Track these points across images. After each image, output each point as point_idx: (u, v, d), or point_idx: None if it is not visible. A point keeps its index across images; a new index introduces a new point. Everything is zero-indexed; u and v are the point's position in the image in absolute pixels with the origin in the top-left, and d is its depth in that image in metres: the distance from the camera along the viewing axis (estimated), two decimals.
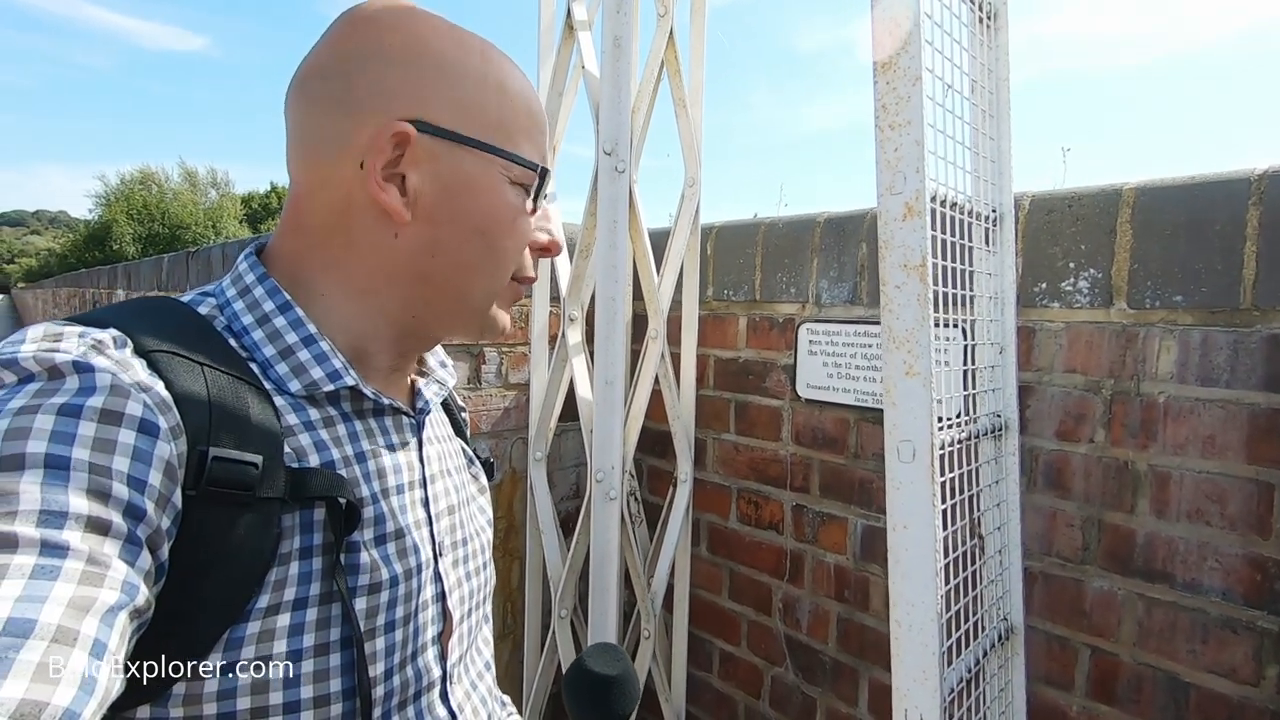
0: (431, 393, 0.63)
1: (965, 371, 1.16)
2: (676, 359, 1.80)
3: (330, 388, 0.52)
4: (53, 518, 0.35)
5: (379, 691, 0.51)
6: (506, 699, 0.73)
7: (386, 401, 0.56)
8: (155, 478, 0.40)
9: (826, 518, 1.66)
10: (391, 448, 0.56)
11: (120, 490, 0.38)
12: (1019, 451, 1.21)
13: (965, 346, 1.20)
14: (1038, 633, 1.30)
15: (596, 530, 1.51)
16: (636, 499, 1.87)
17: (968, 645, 1.06)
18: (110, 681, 0.34)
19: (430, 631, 0.56)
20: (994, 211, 1.18)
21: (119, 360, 0.42)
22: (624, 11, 1.40)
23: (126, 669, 0.37)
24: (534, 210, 0.58)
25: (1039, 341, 1.30)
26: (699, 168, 1.67)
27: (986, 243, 1.18)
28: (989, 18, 1.16)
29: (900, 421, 0.93)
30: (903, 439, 0.93)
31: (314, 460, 0.50)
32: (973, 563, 1.08)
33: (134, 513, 0.38)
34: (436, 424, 0.66)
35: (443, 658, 0.58)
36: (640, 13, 1.59)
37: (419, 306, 0.56)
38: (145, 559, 0.38)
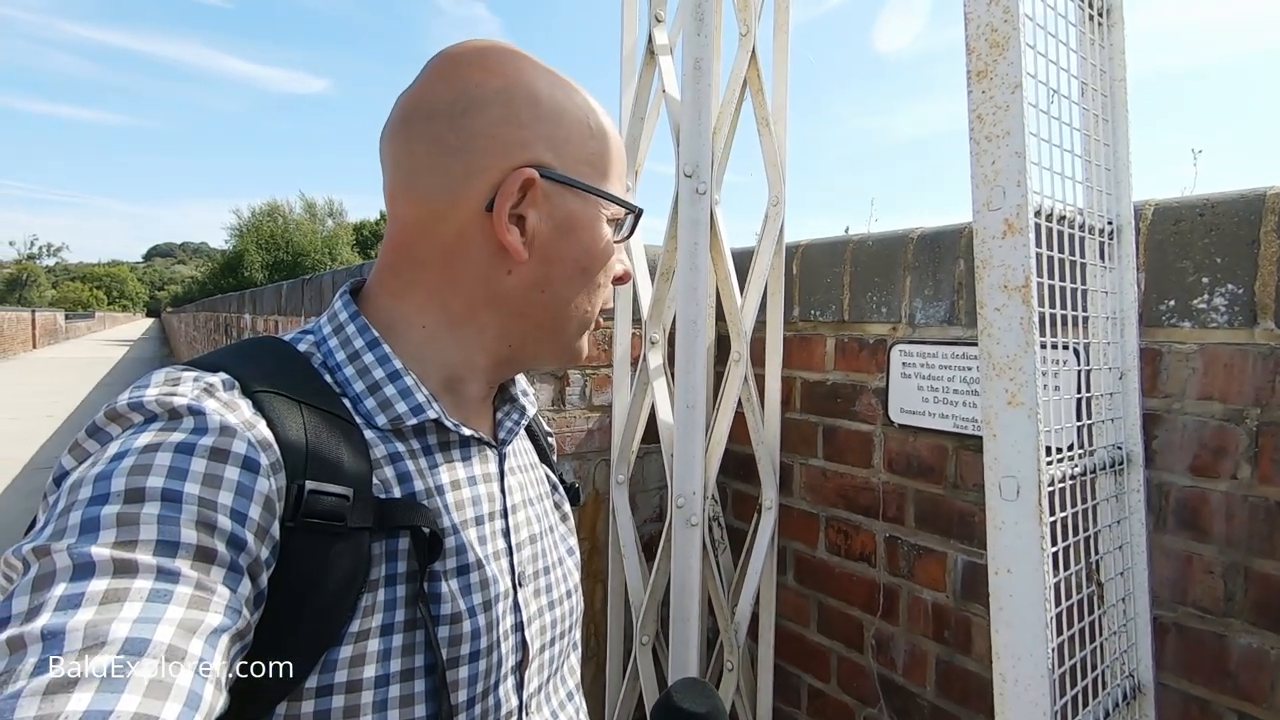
0: (512, 422, 0.64)
1: (1079, 399, 1.06)
2: (761, 381, 1.76)
3: (414, 421, 0.54)
4: (167, 547, 0.38)
5: None
6: None
7: (468, 433, 0.58)
8: (255, 511, 0.43)
9: (923, 551, 1.56)
10: (473, 479, 0.58)
11: (224, 523, 0.41)
12: (1145, 488, 1.09)
13: (1079, 371, 1.09)
14: (1172, 692, 1.15)
15: (677, 557, 1.48)
16: (720, 524, 1.83)
17: (1086, 704, 0.96)
18: (214, 698, 0.36)
19: (510, 662, 0.57)
20: (1110, 224, 1.08)
21: (226, 402, 0.46)
22: (704, 34, 1.39)
23: (230, 687, 0.39)
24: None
25: (1167, 365, 1.17)
26: (783, 186, 1.63)
27: (1102, 258, 1.08)
28: (1100, 15, 1.07)
29: (1002, 455, 0.85)
30: (1005, 474, 0.85)
31: (398, 492, 0.52)
32: (1091, 611, 0.98)
33: (236, 543, 0.41)
34: (519, 453, 0.67)
35: (520, 688, 0.58)
36: (723, 34, 1.58)
37: (516, 337, 0.58)
38: (246, 586, 0.41)
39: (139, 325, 60.65)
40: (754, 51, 1.52)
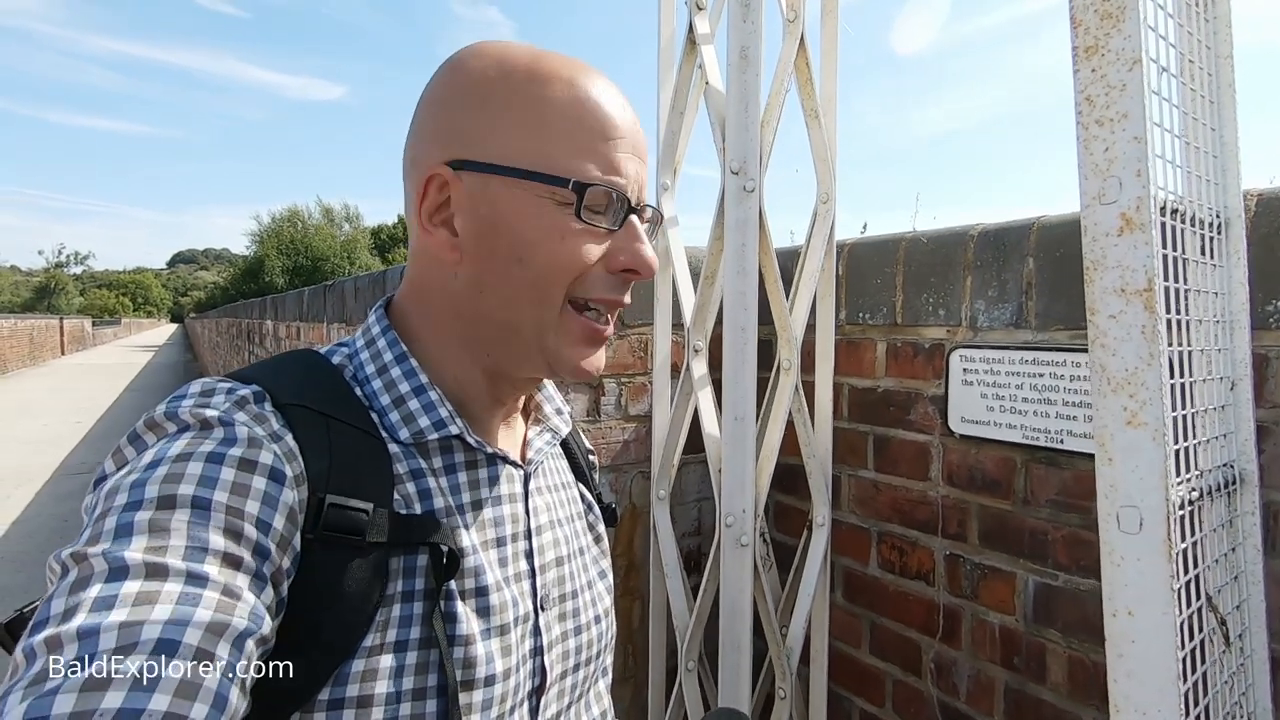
0: (543, 442, 0.63)
1: (1178, 416, 0.95)
2: (810, 389, 1.66)
3: (435, 436, 0.53)
4: (196, 552, 0.39)
5: None
6: None
7: (491, 451, 0.57)
8: (279, 521, 0.44)
9: (988, 571, 1.45)
10: (497, 499, 0.57)
11: (250, 531, 0.42)
12: (1260, 510, 0.98)
13: (1175, 384, 0.98)
14: None
15: (727, 580, 1.39)
16: (765, 540, 1.73)
17: None
18: (239, 701, 0.37)
19: (526, 688, 0.55)
20: (1217, 216, 0.97)
21: (256, 414, 0.47)
22: (751, 20, 1.30)
23: (253, 692, 0.40)
24: (614, 230, 0.53)
25: (1276, 372, 1.06)
26: (833, 182, 1.53)
27: (1208, 254, 0.97)
28: None
29: (1120, 482, 0.75)
30: (1124, 504, 0.75)
31: (418, 508, 0.51)
32: (1211, 654, 0.87)
33: (261, 551, 0.42)
34: (550, 472, 0.65)
35: (534, 714, 0.56)
36: (765, 21, 1.48)
37: (486, 345, 0.56)
38: (269, 593, 0.42)
39: (163, 331, 61.61)
40: (803, 38, 1.42)
